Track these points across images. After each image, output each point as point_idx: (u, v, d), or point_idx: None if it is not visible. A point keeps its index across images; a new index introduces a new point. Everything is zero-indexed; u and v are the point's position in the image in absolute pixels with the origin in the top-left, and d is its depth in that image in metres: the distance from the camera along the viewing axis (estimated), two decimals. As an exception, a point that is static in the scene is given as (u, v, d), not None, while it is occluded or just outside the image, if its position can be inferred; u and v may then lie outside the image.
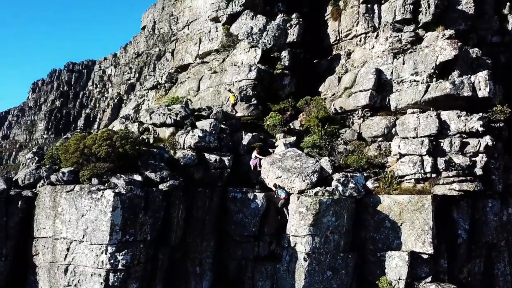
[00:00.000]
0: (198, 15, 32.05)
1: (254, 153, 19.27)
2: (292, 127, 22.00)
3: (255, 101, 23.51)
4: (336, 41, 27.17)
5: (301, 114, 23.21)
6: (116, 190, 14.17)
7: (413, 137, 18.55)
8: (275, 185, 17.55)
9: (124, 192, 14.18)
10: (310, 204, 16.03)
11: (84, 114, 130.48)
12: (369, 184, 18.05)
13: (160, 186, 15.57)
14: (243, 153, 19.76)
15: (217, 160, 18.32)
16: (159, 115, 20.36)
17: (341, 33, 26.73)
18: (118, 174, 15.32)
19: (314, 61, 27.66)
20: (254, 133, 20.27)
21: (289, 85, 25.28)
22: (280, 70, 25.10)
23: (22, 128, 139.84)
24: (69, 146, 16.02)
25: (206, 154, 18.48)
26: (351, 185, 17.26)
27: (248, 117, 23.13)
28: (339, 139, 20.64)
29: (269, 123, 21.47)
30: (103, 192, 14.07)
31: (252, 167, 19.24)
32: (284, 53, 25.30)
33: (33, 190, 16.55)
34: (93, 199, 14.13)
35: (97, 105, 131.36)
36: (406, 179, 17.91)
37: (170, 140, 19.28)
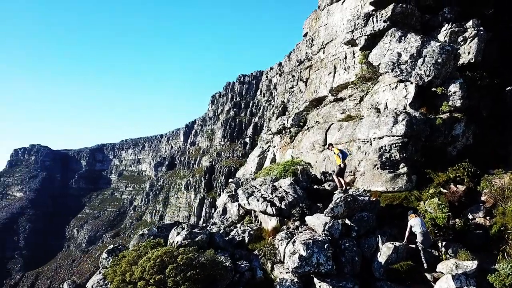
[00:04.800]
0: (334, 35, 24.35)
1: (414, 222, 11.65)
2: (470, 218, 12.55)
3: (405, 168, 14.73)
4: (550, 55, 15.92)
5: (485, 193, 13.45)
6: None
7: None
8: None
9: None
10: None
11: (252, 122, 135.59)
12: None
13: None
14: (379, 276, 11.55)
15: (332, 295, 10.85)
16: (258, 200, 13.97)
17: (560, 41, 15.41)
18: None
19: (507, 89, 16.93)
20: (399, 244, 11.74)
21: (463, 135, 15.49)
22: (447, 114, 15.55)
23: (204, 136, 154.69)
24: (117, 270, 11.07)
25: (316, 281, 11.22)
26: None
27: (393, 194, 14.61)
28: None
29: (426, 217, 12.54)
30: None
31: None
32: (453, 87, 15.55)
33: (97, 310, 12.44)
34: None
35: (264, 113, 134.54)
36: None
37: (268, 246, 12.69)
